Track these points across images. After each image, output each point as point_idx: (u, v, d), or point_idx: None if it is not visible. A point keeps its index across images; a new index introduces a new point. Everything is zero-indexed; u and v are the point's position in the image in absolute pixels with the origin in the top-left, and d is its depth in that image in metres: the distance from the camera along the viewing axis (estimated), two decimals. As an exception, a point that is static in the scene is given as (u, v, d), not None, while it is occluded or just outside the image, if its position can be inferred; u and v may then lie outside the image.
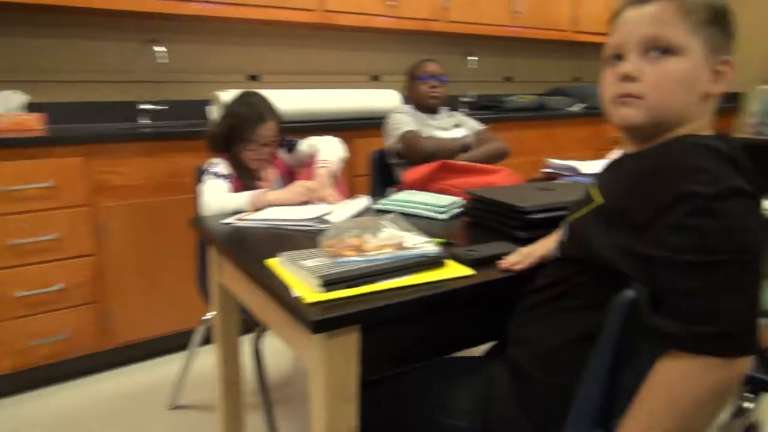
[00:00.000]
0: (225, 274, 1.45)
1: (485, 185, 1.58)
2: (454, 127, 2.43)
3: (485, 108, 3.60)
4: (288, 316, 0.98)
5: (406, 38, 3.50)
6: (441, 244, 1.19)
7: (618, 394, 0.79)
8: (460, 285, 0.98)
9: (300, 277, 0.99)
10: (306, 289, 0.94)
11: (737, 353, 0.68)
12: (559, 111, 3.61)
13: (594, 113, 3.64)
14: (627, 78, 0.83)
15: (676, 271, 0.70)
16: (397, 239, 1.08)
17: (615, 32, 0.87)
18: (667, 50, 0.81)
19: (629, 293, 0.74)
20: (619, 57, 0.86)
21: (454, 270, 1.04)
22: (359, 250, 1.05)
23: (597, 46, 4.18)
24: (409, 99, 2.48)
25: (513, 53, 4.03)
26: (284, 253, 1.08)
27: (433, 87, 2.37)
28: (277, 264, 1.08)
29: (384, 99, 2.93)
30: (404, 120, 2.30)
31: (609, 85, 0.87)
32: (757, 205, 0.72)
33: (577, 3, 3.81)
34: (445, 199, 1.52)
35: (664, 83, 0.81)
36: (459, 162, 1.72)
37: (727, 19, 0.83)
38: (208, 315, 1.85)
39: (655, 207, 0.73)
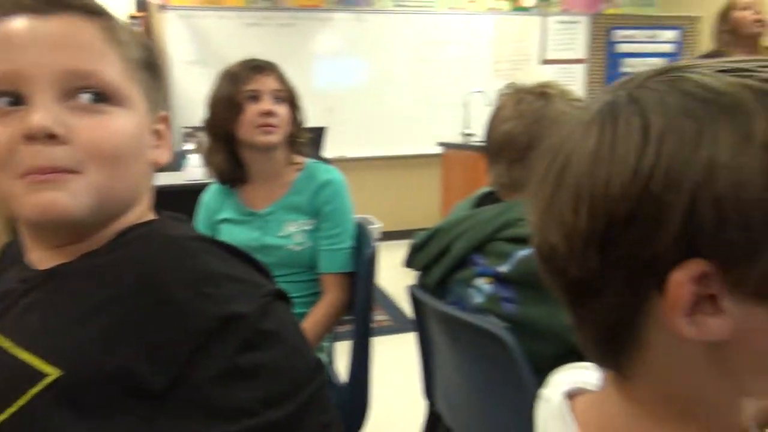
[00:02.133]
0: None
1: None
2: None
3: None
4: None
5: None
6: None
7: None
8: None
9: None
10: None
11: None
12: None
13: None
14: (43, 138, 0.47)
15: None
16: None
17: None
18: (101, 96, 0.50)
19: None
20: (15, 99, 0.48)
21: None
22: None
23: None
24: None
25: None
26: None
27: None
28: None
29: None
30: None
31: (6, 152, 0.48)
32: (289, 303, 0.54)
33: None
34: None
35: (110, 148, 0.50)
36: None
37: (159, 65, 0.59)
38: None
39: (179, 354, 0.45)
